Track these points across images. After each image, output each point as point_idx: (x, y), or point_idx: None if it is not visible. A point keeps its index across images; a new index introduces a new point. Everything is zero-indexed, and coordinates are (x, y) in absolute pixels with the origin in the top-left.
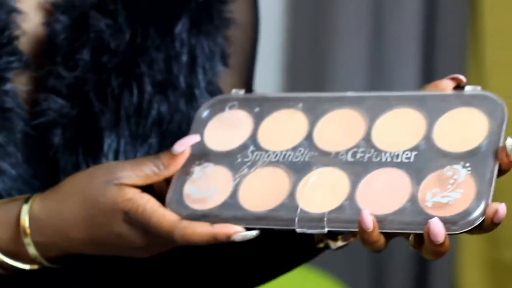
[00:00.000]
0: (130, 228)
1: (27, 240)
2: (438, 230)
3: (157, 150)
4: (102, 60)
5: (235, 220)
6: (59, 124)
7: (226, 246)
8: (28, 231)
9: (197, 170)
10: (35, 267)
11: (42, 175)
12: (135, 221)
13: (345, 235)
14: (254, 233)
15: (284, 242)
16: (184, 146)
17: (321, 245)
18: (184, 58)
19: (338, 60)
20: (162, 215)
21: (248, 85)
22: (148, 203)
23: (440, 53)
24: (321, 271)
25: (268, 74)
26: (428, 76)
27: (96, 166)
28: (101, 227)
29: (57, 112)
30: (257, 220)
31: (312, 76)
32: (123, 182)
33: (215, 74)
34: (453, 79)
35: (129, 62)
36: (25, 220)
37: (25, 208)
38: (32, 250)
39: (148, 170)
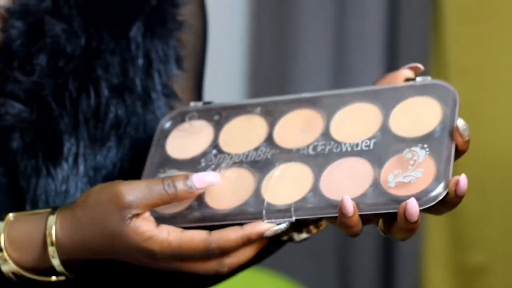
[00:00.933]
0: (157, 260)
1: (55, 262)
2: (414, 210)
3: (115, 153)
4: (59, 64)
5: (203, 220)
6: (18, 128)
7: None
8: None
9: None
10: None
11: (1, 179)
12: (162, 255)
13: (309, 227)
14: (284, 225)
15: None
16: (204, 184)
17: (285, 237)
18: (140, 61)
19: (301, 65)
20: (190, 239)
21: (199, 89)
22: (170, 235)
23: (403, 56)
24: (284, 276)
25: (231, 80)
26: None
27: (104, 188)
28: (126, 256)
29: (16, 117)
30: (225, 217)
31: (275, 81)
32: (136, 213)
33: (170, 77)
34: (412, 68)
35: (85, 66)
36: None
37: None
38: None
39: (159, 200)
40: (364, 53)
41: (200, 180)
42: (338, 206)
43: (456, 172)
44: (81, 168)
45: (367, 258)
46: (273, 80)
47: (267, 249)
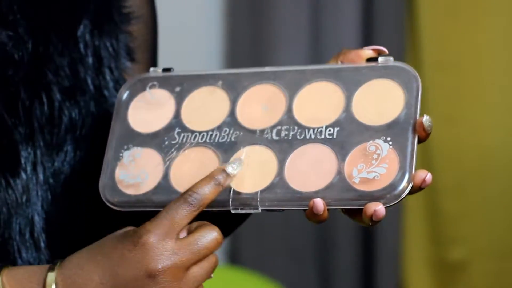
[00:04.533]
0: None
1: None
2: (381, 213)
3: (72, 156)
4: (8, 73)
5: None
6: None
7: None
8: None
9: (126, 154)
10: None
11: None
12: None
13: None
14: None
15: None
16: None
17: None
18: (90, 60)
19: (277, 62)
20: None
21: None
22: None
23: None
24: (265, 277)
25: None
26: None
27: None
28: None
29: None
30: None
31: None
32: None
33: (123, 71)
34: (375, 50)
35: (35, 72)
36: None
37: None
38: None
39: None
40: (340, 49)
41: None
42: (310, 205)
43: (433, 170)
44: (41, 176)
45: (347, 257)
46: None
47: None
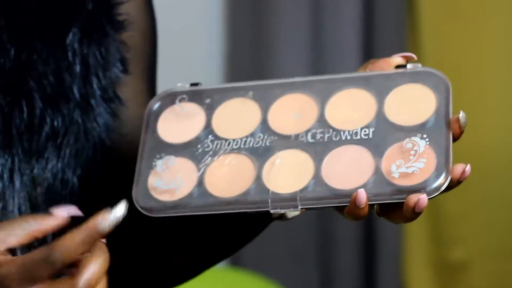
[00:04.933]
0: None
1: None
2: (423, 202)
3: (54, 163)
4: None
5: (206, 208)
6: None
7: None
8: None
9: (159, 163)
10: None
11: None
12: (8, 276)
13: None
14: (121, 213)
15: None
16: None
17: (276, 215)
18: (77, 68)
19: (278, 63)
20: (33, 252)
21: (152, 91)
22: (15, 257)
23: (380, 53)
24: (266, 278)
25: (209, 79)
26: None
27: None
28: None
29: None
30: (229, 205)
31: (253, 80)
32: None
33: (114, 81)
34: (404, 57)
35: (16, 80)
36: None
37: None
38: None
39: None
40: (341, 51)
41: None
42: (352, 198)
43: None
44: (17, 183)
45: (349, 258)
46: (251, 79)
47: (255, 226)
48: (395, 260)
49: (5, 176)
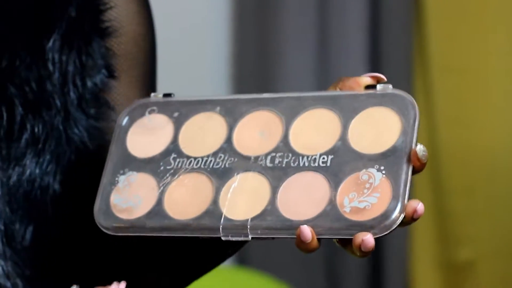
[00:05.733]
0: None
1: None
2: (370, 244)
3: (33, 169)
4: None
5: (161, 230)
6: None
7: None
8: None
9: (121, 179)
10: None
11: None
12: None
13: None
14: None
15: None
16: None
17: None
18: (56, 76)
19: (284, 67)
20: None
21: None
22: None
23: (386, 56)
24: (273, 278)
25: (214, 82)
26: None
27: None
28: None
29: None
30: (183, 229)
31: (258, 84)
32: None
33: (100, 87)
34: (373, 77)
35: None
36: None
37: None
38: None
39: None
40: (347, 54)
41: None
42: (297, 232)
43: (441, 171)
44: None
45: (355, 258)
46: (257, 82)
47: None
48: (402, 260)
49: None
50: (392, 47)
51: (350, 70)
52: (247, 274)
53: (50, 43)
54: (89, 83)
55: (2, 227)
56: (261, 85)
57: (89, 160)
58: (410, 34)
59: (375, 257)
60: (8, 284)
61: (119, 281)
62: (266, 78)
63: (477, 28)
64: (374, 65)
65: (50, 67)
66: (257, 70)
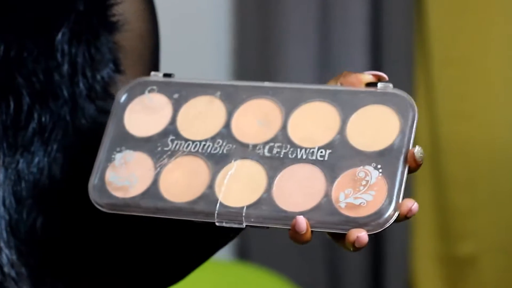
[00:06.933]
0: None
1: None
2: (363, 240)
3: (41, 158)
4: None
5: (155, 211)
6: None
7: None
8: None
9: (118, 157)
10: None
11: None
12: None
13: None
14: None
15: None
16: None
17: None
18: (65, 68)
19: (286, 61)
20: None
21: None
22: None
23: (388, 49)
24: (274, 272)
25: (216, 77)
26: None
27: None
28: None
29: None
30: (177, 212)
31: (260, 77)
32: None
33: (107, 80)
34: (375, 76)
35: (4, 76)
36: None
37: None
38: None
39: None
40: (349, 48)
41: None
42: (292, 223)
43: (442, 165)
44: (1, 177)
45: (356, 252)
46: (258, 75)
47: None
48: (403, 254)
49: None
50: (393, 39)
51: (351, 64)
52: (247, 268)
53: (59, 36)
54: (97, 76)
55: (7, 217)
56: (262, 78)
57: (97, 151)
58: (411, 27)
59: (376, 251)
60: (13, 272)
61: (121, 271)
62: (268, 71)
63: (478, 22)
64: (375, 58)
65: (59, 58)
66: (259, 64)
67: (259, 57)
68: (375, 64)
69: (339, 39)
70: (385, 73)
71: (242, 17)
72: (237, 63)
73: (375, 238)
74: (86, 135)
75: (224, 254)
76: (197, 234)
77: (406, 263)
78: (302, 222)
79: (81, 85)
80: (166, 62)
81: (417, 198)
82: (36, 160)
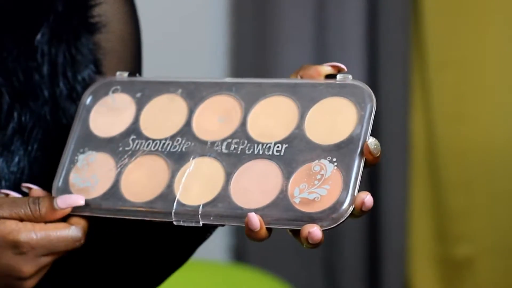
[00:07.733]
0: (19, 258)
1: None
2: (317, 236)
3: (22, 155)
4: None
5: (115, 212)
6: None
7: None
8: None
9: (81, 158)
10: None
11: None
12: (29, 247)
13: None
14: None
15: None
16: (67, 205)
17: None
18: (45, 69)
19: (281, 61)
20: (55, 227)
21: None
22: (35, 227)
23: (384, 50)
24: (270, 274)
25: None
26: (373, 76)
27: None
28: None
29: None
30: (137, 212)
31: (256, 77)
32: (1, 216)
33: (88, 81)
34: (334, 67)
35: None
36: None
37: None
38: None
39: (23, 213)
40: (345, 48)
41: (64, 201)
42: (245, 220)
43: (439, 167)
44: None
45: (353, 254)
46: (254, 76)
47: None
48: (400, 256)
49: None
50: (390, 41)
51: (347, 65)
52: (244, 270)
53: (39, 36)
54: (78, 77)
55: None
56: (259, 77)
57: None
58: (407, 28)
59: (373, 253)
60: None
61: (102, 274)
62: (264, 71)
63: (474, 23)
64: (371, 59)
65: (39, 58)
66: (255, 64)
67: (256, 58)
68: (371, 66)
69: (335, 41)
70: (381, 75)
71: (239, 18)
72: (233, 64)
73: (372, 240)
74: (67, 135)
75: (221, 256)
76: (172, 235)
77: (403, 264)
78: (255, 220)
79: (61, 85)
80: (164, 63)
81: (414, 200)
82: (16, 159)
